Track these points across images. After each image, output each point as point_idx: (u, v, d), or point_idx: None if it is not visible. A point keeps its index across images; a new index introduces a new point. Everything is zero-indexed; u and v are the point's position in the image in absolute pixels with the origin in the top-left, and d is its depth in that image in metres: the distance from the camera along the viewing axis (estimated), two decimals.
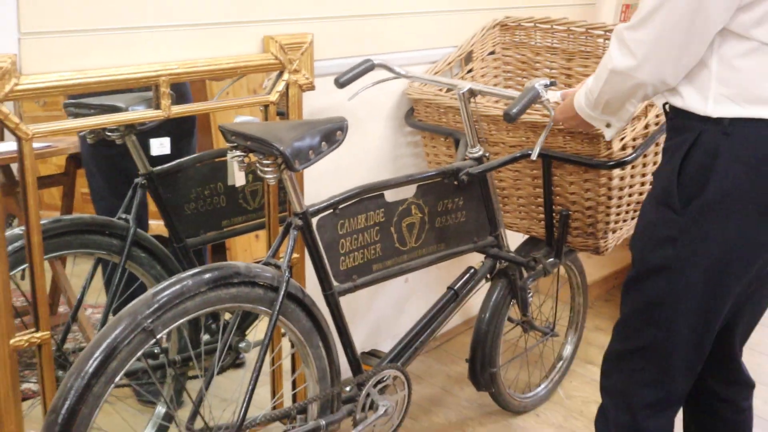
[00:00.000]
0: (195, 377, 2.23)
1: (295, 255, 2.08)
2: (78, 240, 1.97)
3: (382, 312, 2.69)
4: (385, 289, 2.63)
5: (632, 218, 2.37)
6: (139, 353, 1.61)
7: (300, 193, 1.84)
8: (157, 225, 2.29)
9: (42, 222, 1.72)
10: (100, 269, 2.21)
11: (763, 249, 1.64)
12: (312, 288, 1.94)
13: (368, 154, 2.44)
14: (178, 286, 1.63)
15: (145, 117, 1.83)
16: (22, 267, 1.75)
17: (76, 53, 1.68)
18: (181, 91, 2.03)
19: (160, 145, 2.01)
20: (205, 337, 2.25)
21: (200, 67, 1.87)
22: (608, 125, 1.77)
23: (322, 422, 1.91)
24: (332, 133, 1.80)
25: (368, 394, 2.02)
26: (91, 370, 1.53)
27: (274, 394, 2.22)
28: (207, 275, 1.67)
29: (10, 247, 1.72)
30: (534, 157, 1.98)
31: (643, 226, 1.74)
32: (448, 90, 2.33)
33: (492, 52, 2.65)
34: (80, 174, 2.37)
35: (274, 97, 2.02)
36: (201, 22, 1.88)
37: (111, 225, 2.03)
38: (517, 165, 2.30)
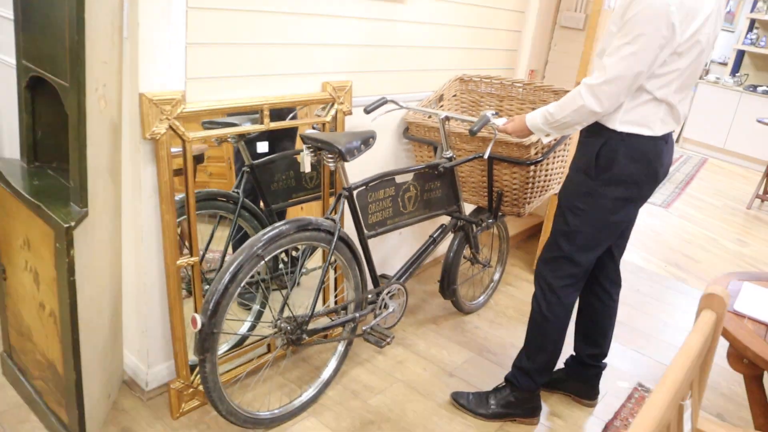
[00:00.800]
0: (276, 290, 2.18)
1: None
2: (210, 204, 1.95)
3: (389, 251, 2.65)
4: (390, 237, 2.63)
5: (539, 195, 2.36)
6: (254, 270, 1.62)
7: (347, 176, 1.86)
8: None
9: (179, 197, 1.70)
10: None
11: (634, 204, 1.72)
12: (350, 233, 1.94)
13: (382, 154, 2.42)
14: (276, 230, 1.65)
15: (254, 129, 1.83)
16: (182, 218, 1.73)
17: (216, 90, 1.70)
18: (279, 113, 1.99)
19: (262, 146, 2.00)
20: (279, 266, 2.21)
21: (286, 99, 1.87)
22: (547, 135, 1.76)
23: (357, 314, 1.96)
24: (368, 140, 1.83)
25: (383, 299, 2.06)
26: (227, 278, 1.57)
27: (324, 301, 2.23)
28: (294, 224, 1.69)
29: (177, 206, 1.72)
30: (485, 157, 1.99)
31: (570, 184, 1.75)
32: (430, 116, 2.32)
33: (455, 95, 2.64)
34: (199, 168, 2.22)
35: (328, 118, 2.03)
36: (287, 73, 1.88)
37: (229, 195, 2.00)
38: (472, 162, 2.33)
